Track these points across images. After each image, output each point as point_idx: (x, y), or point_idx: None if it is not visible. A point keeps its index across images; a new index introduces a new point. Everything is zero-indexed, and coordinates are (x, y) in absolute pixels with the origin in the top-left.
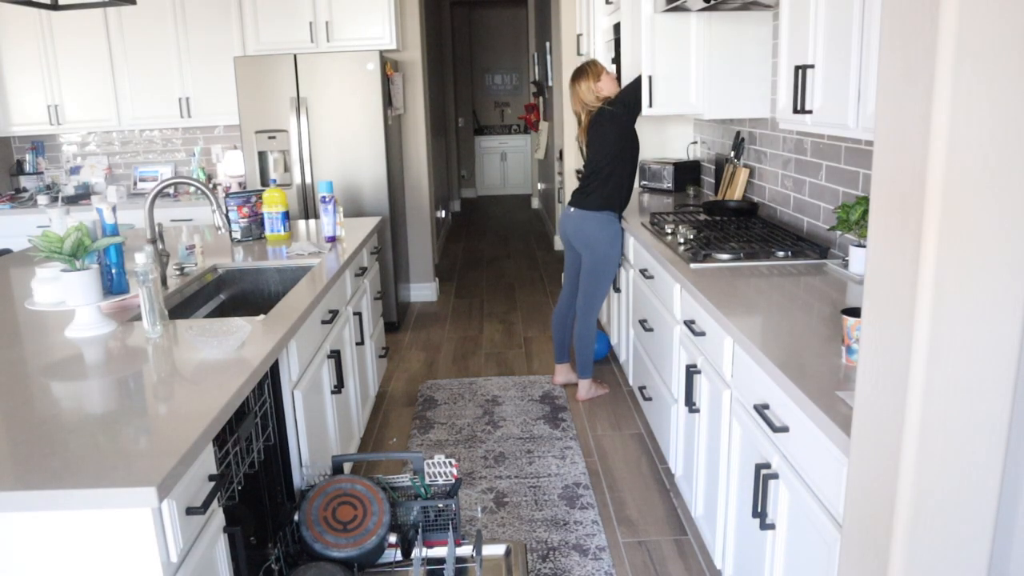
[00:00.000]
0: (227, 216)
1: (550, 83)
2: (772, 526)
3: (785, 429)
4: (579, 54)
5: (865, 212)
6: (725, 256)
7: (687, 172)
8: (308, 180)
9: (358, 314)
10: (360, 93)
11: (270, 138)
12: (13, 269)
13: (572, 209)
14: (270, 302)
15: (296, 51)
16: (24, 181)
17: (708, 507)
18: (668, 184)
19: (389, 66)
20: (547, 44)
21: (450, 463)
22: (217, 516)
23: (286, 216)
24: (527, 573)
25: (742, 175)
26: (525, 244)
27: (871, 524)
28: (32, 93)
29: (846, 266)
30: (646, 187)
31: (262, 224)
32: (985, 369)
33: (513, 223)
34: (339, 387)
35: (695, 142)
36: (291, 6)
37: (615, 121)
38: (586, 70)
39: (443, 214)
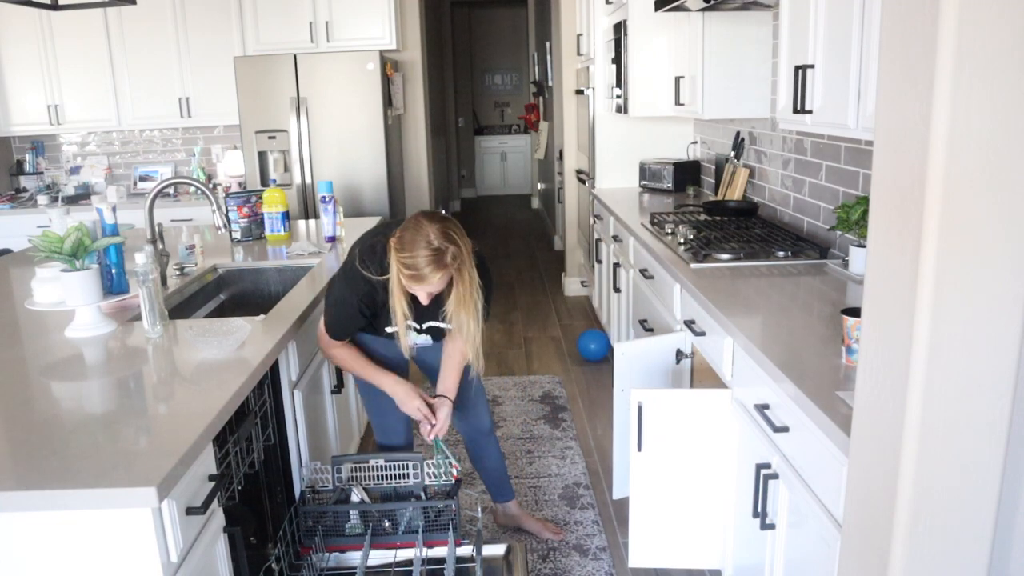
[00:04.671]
0: (227, 216)
1: (550, 83)
2: (772, 526)
3: (785, 429)
4: (579, 54)
5: (865, 212)
6: (725, 256)
7: (687, 172)
8: (308, 180)
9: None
10: (360, 93)
11: (270, 138)
12: (13, 269)
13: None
14: (270, 302)
15: (296, 51)
16: (24, 181)
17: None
18: (668, 184)
19: (389, 66)
20: (547, 44)
21: (450, 463)
22: (217, 516)
23: (286, 216)
24: (527, 573)
25: (742, 175)
26: (525, 244)
27: (871, 524)
28: (32, 93)
29: (846, 266)
30: (646, 187)
31: (262, 224)
32: (985, 369)
33: (513, 223)
34: (339, 387)
35: (695, 142)
36: (291, 6)
37: None
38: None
39: (443, 214)
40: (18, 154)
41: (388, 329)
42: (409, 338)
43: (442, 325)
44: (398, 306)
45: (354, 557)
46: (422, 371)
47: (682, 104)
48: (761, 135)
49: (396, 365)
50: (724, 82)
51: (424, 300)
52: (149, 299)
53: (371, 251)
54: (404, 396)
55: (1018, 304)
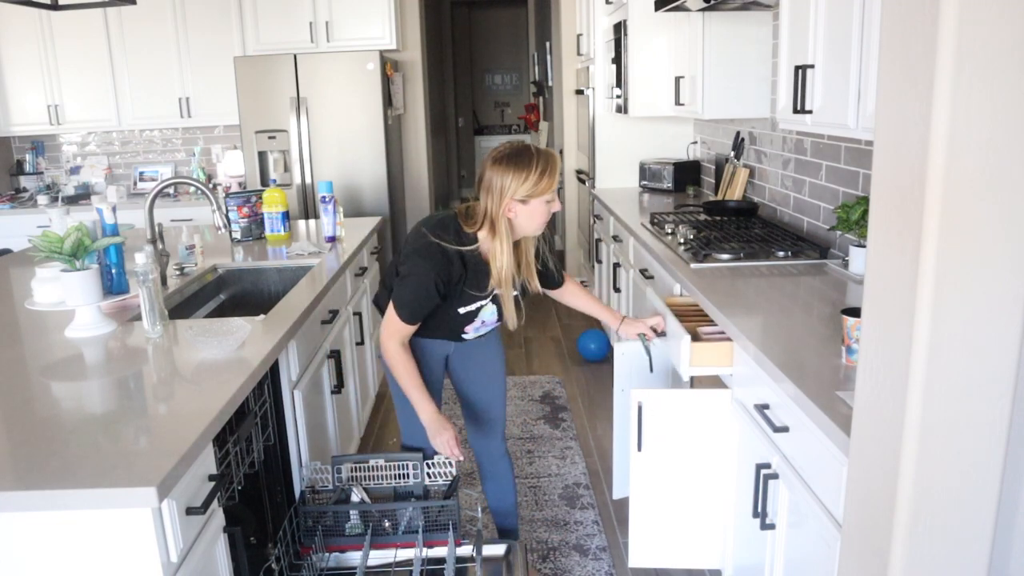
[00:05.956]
0: (227, 216)
1: (550, 83)
2: (772, 526)
3: (785, 429)
4: (579, 54)
5: (865, 212)
6: (725, 256)
7: (687, 172)
8: (308, 180)
9: (358, 314)
10: (360, 93)
11: (270, 138)
12: (13, 269)
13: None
14: (270, 302)
15: (296, 51)
16: (24, 181)
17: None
18: (668, 184)
19: (389, 66)
20: (547, 44)
21: (450, 463)
22: (217, 516)
23: (286, 216)
24: (527, 573)
25: (742, 175)
26: None
27: (871, 524)
28: (32, 93)
29: (846, 266)
30: (646, 187)
31: (262, 224)
32: (985, 369)
33: None
34: (339, 387)
35: (695, 142)
36: (291, 6)
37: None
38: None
39: None
40: (18, 154)
41: (461, 309)
42: (480, 318)
43: (519, 293)
44: (506, 266)
45: (354, 557)
46: (455, 387)
47: (682, 104)
48: (761, 135)
49: (436, 383)
50: (724, 82)
51: (557, 207)
52: (149, 299)
53: (443, 226)
54: (438, 428)
55: (1018, 304)
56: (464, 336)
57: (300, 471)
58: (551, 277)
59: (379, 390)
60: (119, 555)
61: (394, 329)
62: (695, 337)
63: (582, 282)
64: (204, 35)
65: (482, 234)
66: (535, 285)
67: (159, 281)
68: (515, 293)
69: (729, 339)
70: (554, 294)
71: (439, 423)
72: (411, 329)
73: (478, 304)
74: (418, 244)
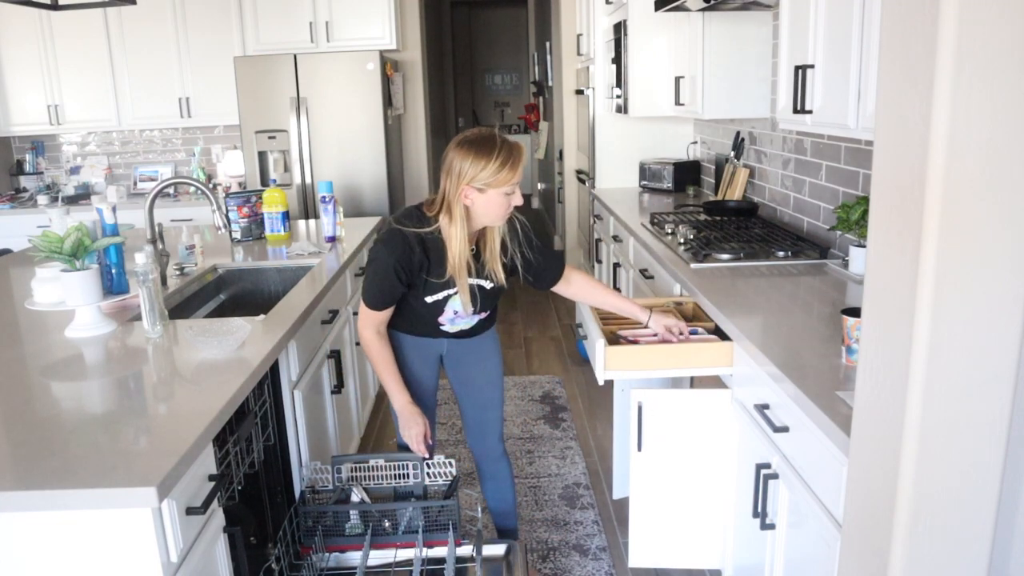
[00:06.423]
0: (227, 216)
1: (550, 83)
2: (772, 526)
3: (785, 429)
4: (579, 54)
5: (865, 212)
6: (725, 256)
7: (687, 172)
8: (308, 180)
9: (358, 314)
10: (360, 93)
11: (270, 138)
12: (13, 269)
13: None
14: (270, 302)
15: (296, 51)
16: (24, 181)
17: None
18: (668, 184)
19: (389, 66)
20: (547, 44)
21: (450, 463)
22: (217, 516)
23: (286, 216)
24: (527, 573)
25: (742, 175)
26: None
27: (871, 524)
28: (32, 93)
29: (846, 266)
30: (646, 187)
31: (262, 224)
32: (985, 369)
33: None
34: (339, 387)
35: (695, 142)
36: (291, 6)
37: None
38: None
39: None
40: (18, 154)
41: (428, 299)
42: (450, 307)
43: (486, 283)
44: (460, 254)
45: (354, 557)
46: (453, 387)
47: (682, 104)
48: (761, 135)
49: (429, 382)
50: (724, 82)
51: (518, 200)
52: (149, 299)
53: (407, 214)
54: (409, 419)
55: (1018, 304)
56: (442, 328)
57: (300, 471)
58: (543, 275)
59: (379, 390)
60: (119, 555)
61: (366, 317)
62: (614, 340)
63: None
64: (204, 35)
65: (442, 218)
66: (500, 277)
67: (159, 281)
68: (475, 282)
69: (662, 341)
70: (562, 291)
71: (410, 416)
72: (381, 316)
73: (445, 293)
74: (383, 232)
